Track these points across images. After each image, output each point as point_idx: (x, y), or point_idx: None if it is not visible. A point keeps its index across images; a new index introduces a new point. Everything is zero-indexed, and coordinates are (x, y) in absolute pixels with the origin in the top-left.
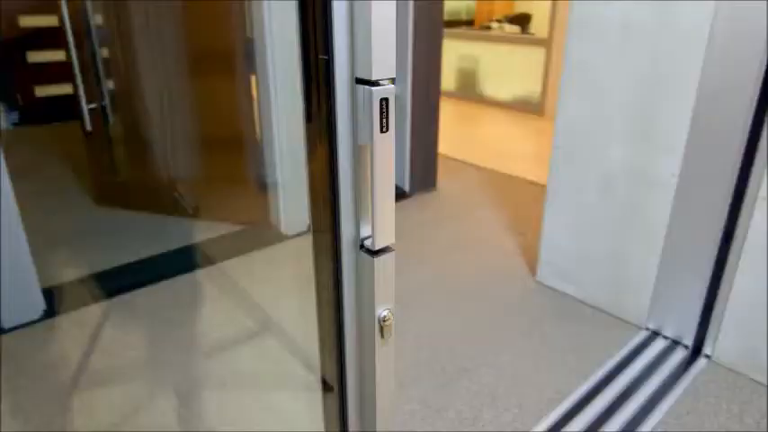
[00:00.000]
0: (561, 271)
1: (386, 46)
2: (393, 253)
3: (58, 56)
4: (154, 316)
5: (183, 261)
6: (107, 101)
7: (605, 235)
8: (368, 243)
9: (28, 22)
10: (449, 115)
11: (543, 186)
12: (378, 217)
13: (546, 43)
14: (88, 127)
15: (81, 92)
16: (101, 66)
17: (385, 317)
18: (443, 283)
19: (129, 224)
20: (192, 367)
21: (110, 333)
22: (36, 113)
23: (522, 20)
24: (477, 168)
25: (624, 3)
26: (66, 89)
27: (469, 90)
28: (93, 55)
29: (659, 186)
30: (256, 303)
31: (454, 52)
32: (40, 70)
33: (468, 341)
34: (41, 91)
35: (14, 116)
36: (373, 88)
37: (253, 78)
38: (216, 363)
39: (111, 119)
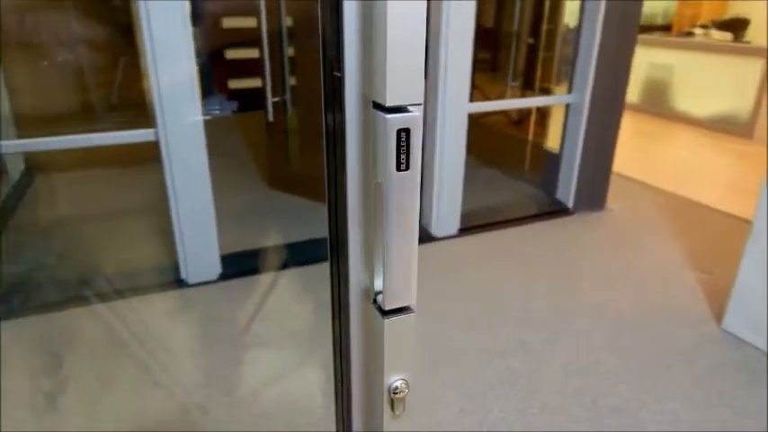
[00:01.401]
0: (755, 322)
1: (408, 63)
2: (412, 315)
3: (250, 54)
4: (311, 292)
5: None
6: (288, 95)
7: None
8: (380, 299)
9: (229, 23)
10: (629, 130)
11: (740, 220)
12: (390, 272)
13: (766, 54)
14: (270, 118)
15: (268, 86)
16: (286, 63)
17: (397, 388)
18: (602, 313)
19: (295, 208)
20: None
21: (273, 302)
22: (229, 104)
23: (737, 25)
24: (658, 191)
25: None
26: (254, 83)
27: (658, 104)
28: (281, 53)
29: None
30: None
31: (644, 60)
32: (234, 66)
33: (626, 379)
34: (234, 84)
35: (233, 105)
36: (388, 116)
37: None
38: None
39: (290, 111)
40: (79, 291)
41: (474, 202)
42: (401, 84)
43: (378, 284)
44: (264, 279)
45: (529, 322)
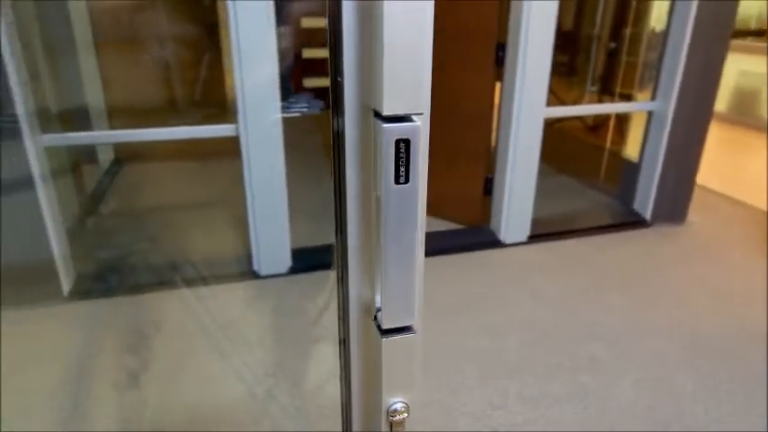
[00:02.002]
0: None
1: (409, 69)
2: (413, 336)
3: (326, 53)
4: None
5: None
6: None
7: None
8: (380, 316)
9: (308, 23)
10: (713, 140)
11: None
12: (388, 290)
13: None
14: None
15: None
16: None
17: (396, 411)
18: (679, 331)
19: None
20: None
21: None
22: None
23: None
24: (743, 205)
25: None
26: (325, 82)
27: (748, 114)
28: None
29: None
30: (467, 303)
31: (734, 67)
32: (310, 65)
33: (703, 402)
34: (309, 82)
35: (320, 104)
36: (385, 125)
37: (497, 84)
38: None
39: None
40: (163, 275)
41: (545, 209)
42: (400, 91)
43: (378, 301)
44: (332, 275)
45: (600, 337)
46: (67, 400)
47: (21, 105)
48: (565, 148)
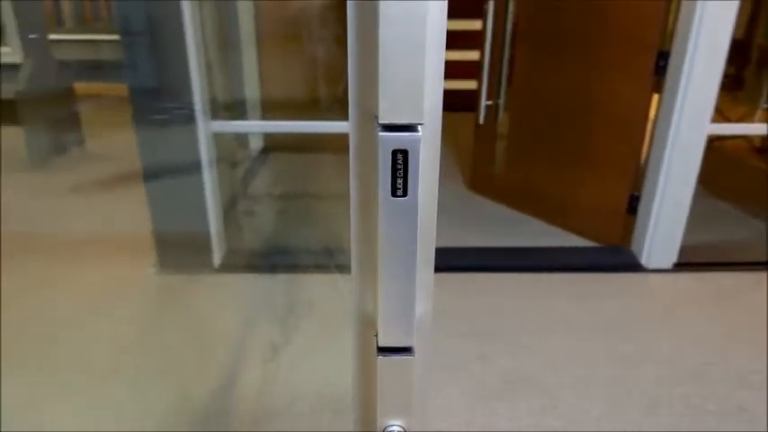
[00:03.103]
0: None
1: (406, 74)
2: (410, 359)
3: (466, 55)
4: (500, 297)
5: (527, 258)
6: (502, 99)
7: None
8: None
9: (452, 26)
10: None
11: None
12: (384, 308)
13: None
14: (480, 120)
15: (484, 89)
16: (505, 67)
17: None
18: None
19: (489, 213)
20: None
21: (467, 302)
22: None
23: None
24: None
25: None
26: (465, 85)
27: None
28: (501, 57)
29: None
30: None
31: None
32: (447, 67)
33: None
34: (445, 84)
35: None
36: (381, 134)
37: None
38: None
39: (501, 116)
40: (305, 258)
41: (697, 235)
42: (397, 98)
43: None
44: (448, 277)
45: (753, 385)
46: (215, 364)
47: (198, 93)
48: (725, 170)
